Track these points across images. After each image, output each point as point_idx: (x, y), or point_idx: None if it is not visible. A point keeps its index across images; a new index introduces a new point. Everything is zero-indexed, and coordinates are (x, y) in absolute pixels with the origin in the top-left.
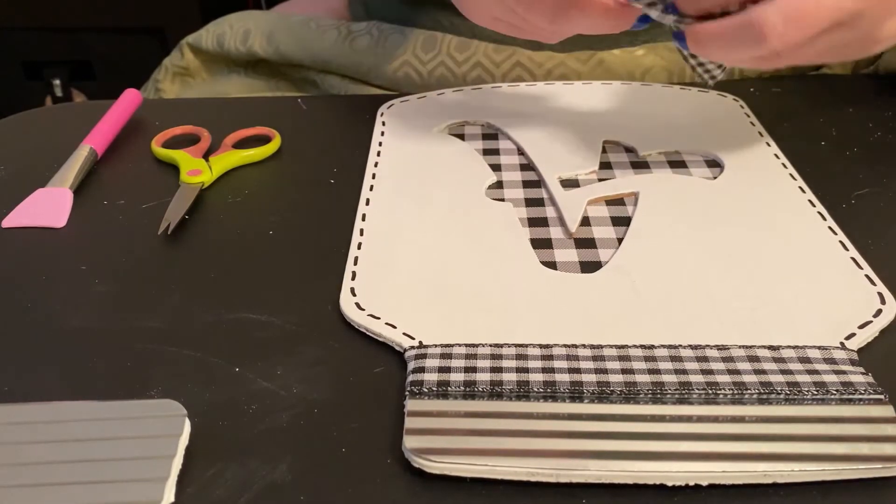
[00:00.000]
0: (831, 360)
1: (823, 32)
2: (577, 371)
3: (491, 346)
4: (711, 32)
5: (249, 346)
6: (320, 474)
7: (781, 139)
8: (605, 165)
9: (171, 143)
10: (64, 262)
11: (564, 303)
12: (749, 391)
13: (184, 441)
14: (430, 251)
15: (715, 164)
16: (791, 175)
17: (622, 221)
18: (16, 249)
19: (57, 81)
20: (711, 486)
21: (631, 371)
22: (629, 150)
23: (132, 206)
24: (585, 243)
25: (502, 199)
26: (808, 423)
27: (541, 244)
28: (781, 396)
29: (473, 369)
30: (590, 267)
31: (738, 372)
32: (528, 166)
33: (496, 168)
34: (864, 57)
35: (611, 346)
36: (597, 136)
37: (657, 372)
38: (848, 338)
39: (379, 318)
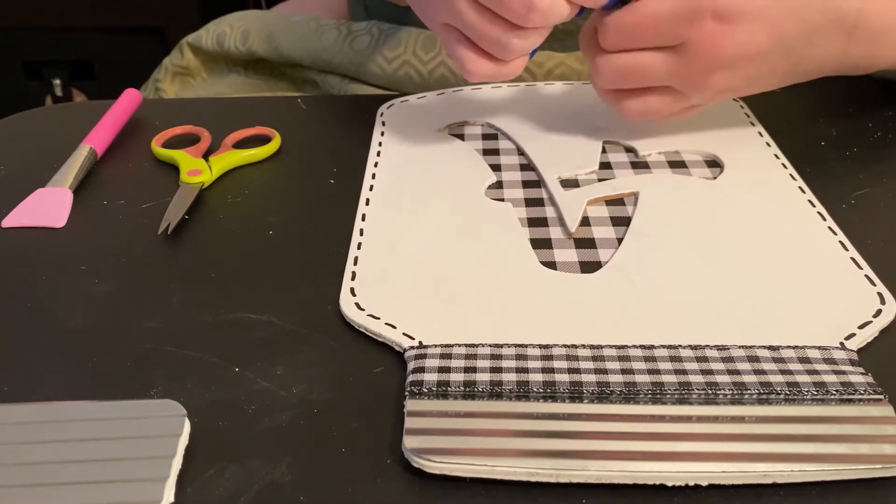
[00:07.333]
0: (831, 360)
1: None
2: (577, 371)
3: (491, 346)
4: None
5: (249, 346)
6: (320, 474)
7: (781, 139)
8: (605, 165)
9: (171, 143)
10: (64, 262)
11: (564, 303)
12: (749, 391)
13: (184, 441)
14: (430, 251)
15: (715, 164)
16: (791, 175)
17: (622, 221)
18: (16, 249)
19: (57, 81)
20: (711, 486)
21: (631, 371)
22: (629, 150)
23: (132, 206)
24: (585, 243)
25: (502, 199)
26: (807, 423)
27: (541, 244)
28: (781, 396)
29: (473, 369)
30: (590, 267)
31: (737, 372)
32: (528, 166)
33: (496, 168)
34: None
35: (611, 347)
36: (597, 136)
37: (657, 372)
38: (848, 338)
39: (379, 318)
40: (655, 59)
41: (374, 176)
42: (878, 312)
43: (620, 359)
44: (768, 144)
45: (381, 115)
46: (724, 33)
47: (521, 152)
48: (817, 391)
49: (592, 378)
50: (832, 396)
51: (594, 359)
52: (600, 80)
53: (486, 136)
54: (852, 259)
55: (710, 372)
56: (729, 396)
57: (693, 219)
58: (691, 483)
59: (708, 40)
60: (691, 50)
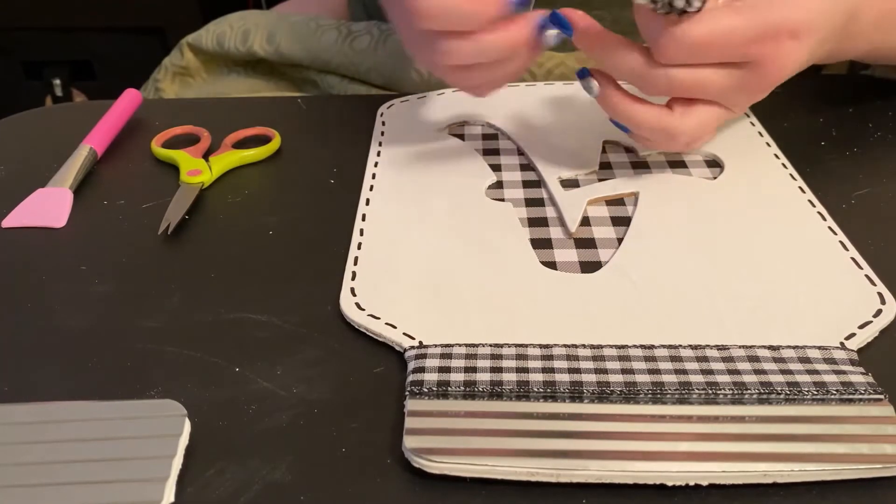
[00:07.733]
0: (831, 360)
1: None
2: (577, 371)
3: (491, 346)
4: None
5: (249, 346)
6: (320, 474)
7: (781, 139)
8: (605, 165)
9: (171, 143)
10: (64, 262)
11: (564, 303)
12: (749, 391)
13: (184, 441)
14: (430, 251)
15: (715, 164)
16: (791, 175)
17: (622, 221)
18: (16, 249)
19: (57, 81)
20: (711, 486)
21: (631, 371)
22: (629, 150)
23: (132, 206)
24: (585, 243)
25: (502, 199)
26: (808, 423)
27: (541, 244)
28: (781, 396)
29: (473, 369)
30: (590, 267)
31: (738, 372)
32: (528, 166)
33: (496, 168)
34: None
35: (611, 346)
36: (597, 136)
37: (657, 372)
38: (848, 338)
39: (379, 318)
40: (718, 76)
41: (374, 176)
42: (879, 312)
43: (620, 359)
44: (768, 144)
45: (381, 115)
46: (795, 50)
47: (521, 152)
48: (817, 391)
49: (593, 378)
50: (832, 396)
51: (594, 359)
52: (652, 93)
53: (486, 136)
54: (852, 259)
55: (711, 372)
56: (729, 396)
57: (693, 219)
58: (691, 483)
59: (781, 57)
60: (761, 67)
